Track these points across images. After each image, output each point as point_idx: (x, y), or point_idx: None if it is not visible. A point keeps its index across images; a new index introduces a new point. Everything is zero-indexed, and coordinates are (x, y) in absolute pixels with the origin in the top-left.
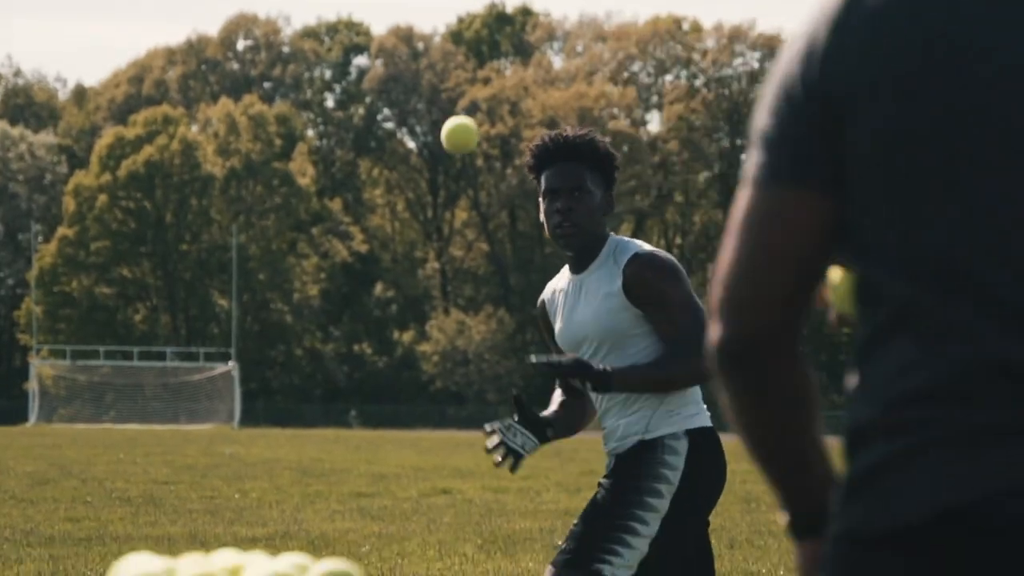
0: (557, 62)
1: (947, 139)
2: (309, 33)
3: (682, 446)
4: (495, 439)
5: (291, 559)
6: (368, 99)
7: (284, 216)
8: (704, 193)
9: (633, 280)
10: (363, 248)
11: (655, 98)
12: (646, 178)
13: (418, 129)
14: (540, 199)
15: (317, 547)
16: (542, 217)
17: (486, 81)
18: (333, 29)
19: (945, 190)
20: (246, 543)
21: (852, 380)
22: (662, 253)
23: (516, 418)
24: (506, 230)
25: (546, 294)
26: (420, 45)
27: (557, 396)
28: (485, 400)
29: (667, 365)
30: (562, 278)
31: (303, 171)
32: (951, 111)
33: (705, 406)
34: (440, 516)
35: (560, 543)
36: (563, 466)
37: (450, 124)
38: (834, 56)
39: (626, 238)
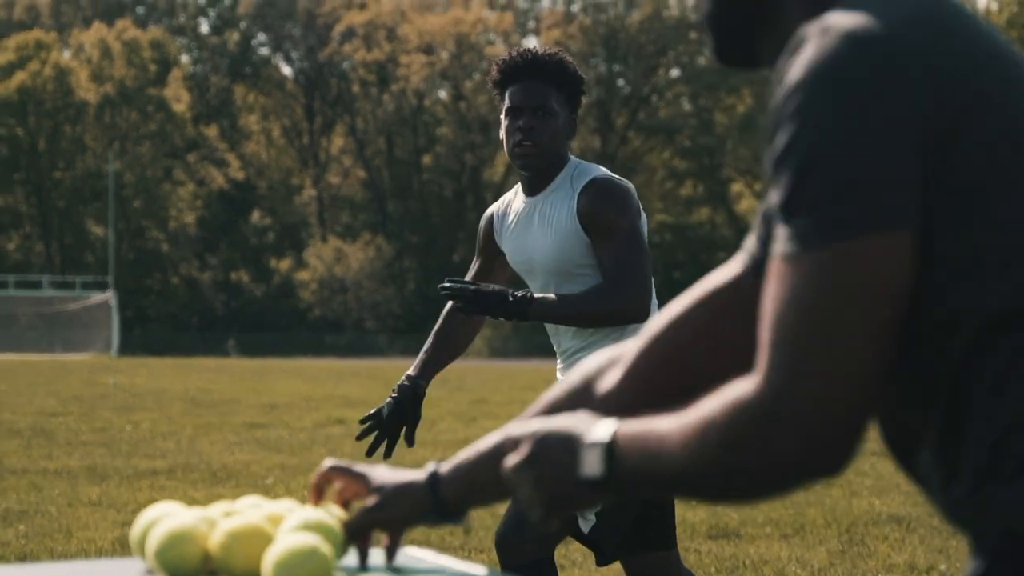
0: None
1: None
2: None
3: None
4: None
5: (328, 508)
6: (243, 24)
7: (159, 143)
8: (581, 119)
9: (587, 207)
10: (239, 175)
11: (532, 23)
12: None
13: (294, 55)
14: (502, 116)
15: (220, 479)
16: (502, 134)
17: (362, 6)
18: None
19: None
20: (147, 476)
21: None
22: (619, 180)
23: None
24: (383, 157)
25: (497, 208)
26: None
27: (443, 320)
28: (363, 328)
29: (594, 302)
30: (517, 197)
31: (178, 97)
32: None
33: None
34: (339, 447)
35: None
36: (452, 395)
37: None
38: (936, 78)
39: (586, 162)
